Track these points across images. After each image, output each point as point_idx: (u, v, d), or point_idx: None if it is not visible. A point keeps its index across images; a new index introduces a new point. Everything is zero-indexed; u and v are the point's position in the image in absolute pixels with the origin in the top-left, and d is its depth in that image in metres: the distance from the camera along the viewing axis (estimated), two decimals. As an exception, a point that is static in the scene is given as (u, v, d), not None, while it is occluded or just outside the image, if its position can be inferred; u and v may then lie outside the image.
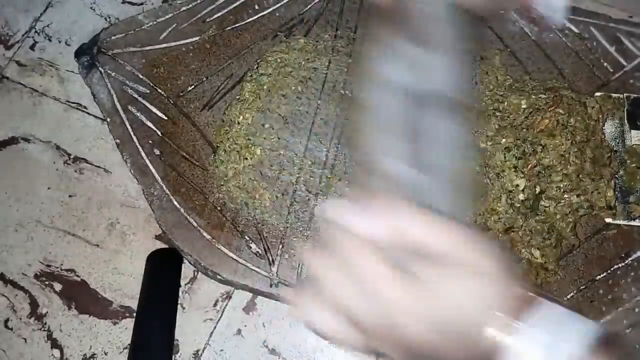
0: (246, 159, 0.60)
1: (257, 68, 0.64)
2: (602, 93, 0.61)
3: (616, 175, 0.58)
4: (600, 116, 0.59)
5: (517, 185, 0.56)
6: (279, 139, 0.60)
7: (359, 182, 0.49)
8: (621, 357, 0.27)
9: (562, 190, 0.56)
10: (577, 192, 0.56)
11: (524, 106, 0.59)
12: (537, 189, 0.56)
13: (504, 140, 0.58)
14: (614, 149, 0.59)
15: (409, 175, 0.43)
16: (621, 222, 0.57)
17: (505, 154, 0.57)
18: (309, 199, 0.58)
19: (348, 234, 0.28)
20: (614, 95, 0.61)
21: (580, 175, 0.57)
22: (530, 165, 0.57)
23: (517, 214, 0.56)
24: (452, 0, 0.47)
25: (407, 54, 0.48)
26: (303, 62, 0.63)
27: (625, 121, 0.60)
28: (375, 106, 0.46)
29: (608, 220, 0.57)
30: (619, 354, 0.27)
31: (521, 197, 0.56)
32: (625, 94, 0.61)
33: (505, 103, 0.60)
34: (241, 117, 0.61)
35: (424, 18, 0.47)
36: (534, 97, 0.59)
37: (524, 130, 0.58)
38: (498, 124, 0.59)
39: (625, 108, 0.60)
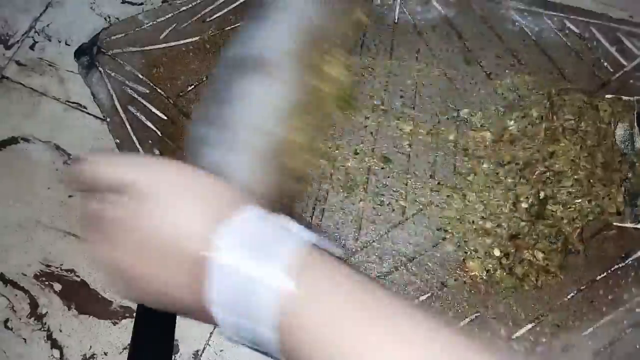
0: None
1: None
2: (613, 95, 0.61)
3: (624, 179, 0.58)
4: (612, 119, 0.59)
5: (520, 194, 0.56)
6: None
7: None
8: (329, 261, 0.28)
9: (573, 195, 0.56)
10: (589, 197, 0.56)
11: (511, 127, 0.59)
12: (542, 195, 0.56)
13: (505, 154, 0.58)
14: (623, 151, 0.59)
15: (199, 133, 0.45)
16: (628, 225, 0.57)
17: (504, 167, 0.57)
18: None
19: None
20: (624, 97, 0.60)
21: (592, 181, 0.56)
22: (537, 172, 0.56)
23: (522, 221, 0.56)
24: None
25: (247, 28, 0.50)
26: None
27: (635, 124, 0.60)
28: (209, 81, 0.49)
29: (616, 223, 0.57)
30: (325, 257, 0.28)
31: (524, 205, 0.56)
32: (635, 97, 0.60)
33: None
34: None
35: None
36: (532, 110, 0.59)
37: (527, 138, 0.58)
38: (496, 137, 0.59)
39: (636, 111, 0.60)
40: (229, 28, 0.66)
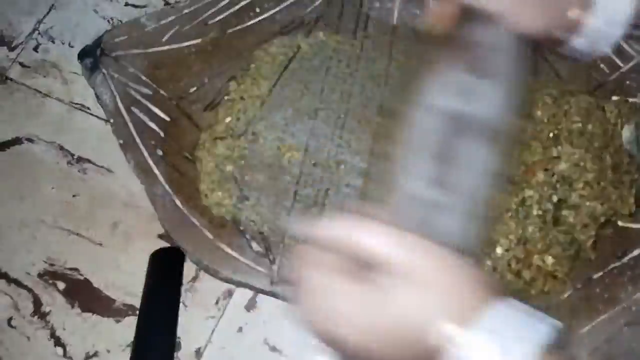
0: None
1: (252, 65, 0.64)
2: (619, 97, 0.61)
3: (634, 180, 0.59)
4: (619, 120, 0.59)
5: (528, 197, 0.56)
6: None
7: (373, 195, 0.50)
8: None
9: (584, 198, 0.56)
10: (601, 200, 0.56)
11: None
12: (555, 199, 0.56)
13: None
14: (630, 153, 0.59)
15: (426, 194, 0.43)
16: (636, 225, 0.57)
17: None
18: (314, 201, 0.59)
19: (308, 246, 0.30)
20: (630, 99, 0.61)
21: (602, 183, 0.56)
22: (543, 176, 0.56)
23: (534, 226, 0.56)
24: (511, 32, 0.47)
25: (458, 81, 0.48)
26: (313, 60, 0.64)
27: None
28: (414, 125, 0.47)
29: (623, 224, 0.57)
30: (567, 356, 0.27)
31: (535, 212, 0.56)
32: (641, 98, 0.61)
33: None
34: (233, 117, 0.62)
35: (482, 47, 0.47)
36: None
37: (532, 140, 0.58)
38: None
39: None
40: (231, 30, 0.66)
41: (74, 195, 0.64)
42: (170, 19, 0.67)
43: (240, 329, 0.58)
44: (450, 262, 0.29)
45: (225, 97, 0.63)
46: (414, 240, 0.30)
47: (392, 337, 0.28)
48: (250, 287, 0.58)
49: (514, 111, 0.49)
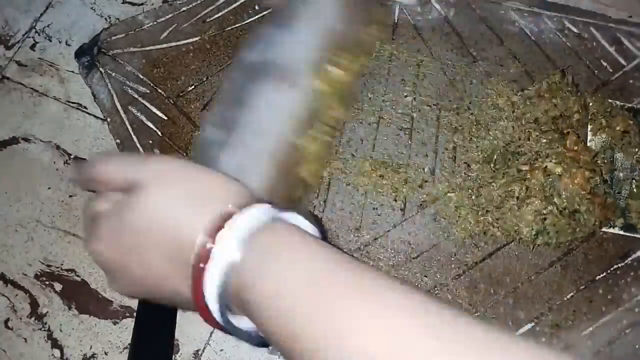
0: None
1: None
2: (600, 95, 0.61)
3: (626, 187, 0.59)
4: (604, 120, 0.60)
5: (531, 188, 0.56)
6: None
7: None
8: None
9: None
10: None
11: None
12: (564, 204, 0.55)
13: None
14: (622, 179, 0.59)
15: (212, 136, 0.45)
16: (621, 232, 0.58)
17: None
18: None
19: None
20: (610, 100, 0.61)
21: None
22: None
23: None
24: None
25: (265, 35, 0.50)
26: None
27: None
28: (224, 84, 0.49)
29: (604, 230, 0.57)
30: None
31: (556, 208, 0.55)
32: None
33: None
34: None
35: (294, 2, 0.49)
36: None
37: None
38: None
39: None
40: (229, 28, 0.66)
41: (70, 196, 0.64)
42: (168, 16, 0.67)
43: (239, 331, 0.58)
44: (201, 169, 0.30)
45: (220, 96, 0.63)
46: (158, 156, 0.32)
47: (149, 237, 0.28)
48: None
49: (317, 55, 0.50)
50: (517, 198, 0.55)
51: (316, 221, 0.31)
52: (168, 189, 0.29)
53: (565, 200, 0.54)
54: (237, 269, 0.26)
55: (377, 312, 0.23)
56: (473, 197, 0.58)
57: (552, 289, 0.55)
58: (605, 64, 0.62)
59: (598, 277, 0.56)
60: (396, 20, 0.65)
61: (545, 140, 0.56)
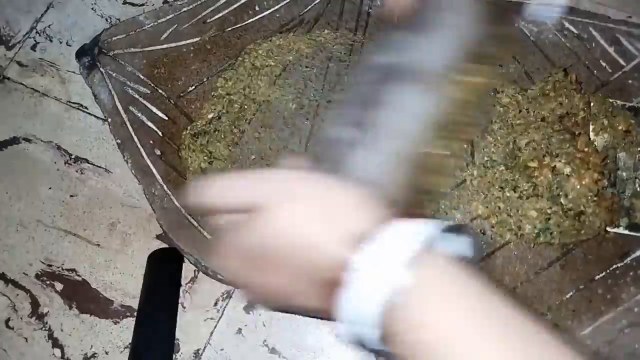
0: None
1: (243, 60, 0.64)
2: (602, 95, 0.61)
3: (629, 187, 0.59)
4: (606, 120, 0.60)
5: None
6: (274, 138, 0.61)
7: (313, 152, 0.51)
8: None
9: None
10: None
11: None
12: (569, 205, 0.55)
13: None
14: (626, 178, 0.59)
15: (342, 135, 0.44)
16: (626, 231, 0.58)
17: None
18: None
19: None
20: (611, 99, 0.61)
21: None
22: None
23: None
24: None
25: (395, 39, 0.49)
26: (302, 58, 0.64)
27: None
28: (350, 83, 0.48)
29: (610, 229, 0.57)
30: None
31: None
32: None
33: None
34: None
35: (425, 8, 0.48)
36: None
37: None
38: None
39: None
40: (229, 29, 0.66)
41: (71, 196, 0.64)
42: (168, 17, 0.67)
43: (239, 331, 0.58)
44: (332, 185, 0.29)
45: (212, 94, 0.63)
46: (283, 172, 0.30)
47: (282, 257, 0.27)
48: (250, 288, 0.58)
49: (454, 60, 0.49)
50: (522, 194, 0.55)
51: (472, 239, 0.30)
52: (299, 206, 0.28)
53: (571, 201, 0.54)
54: (394, 298, 0.25)
55: None
56: (479, 191, 0.58)
57: (552, 289, 0.55)
58: (604, 64, 0.62)
59: (597, 276, 0.56)
60: (397, 21, 0.65)
61: (555, 140, 0.57)
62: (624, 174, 0.58)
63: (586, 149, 0.56)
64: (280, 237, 0.27)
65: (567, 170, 0.55)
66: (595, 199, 0.54)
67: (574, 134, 0.57)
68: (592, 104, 0.60)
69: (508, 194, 0.56)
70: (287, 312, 0.35)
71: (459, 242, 0.28)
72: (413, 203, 0.48)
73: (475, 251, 0.29)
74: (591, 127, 0.60)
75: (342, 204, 0.28)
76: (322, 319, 0.30)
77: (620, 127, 0.59)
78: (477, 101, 0.53)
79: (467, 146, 0.60)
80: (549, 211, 0.54)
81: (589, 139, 0.57)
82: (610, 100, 0.61)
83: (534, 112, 0.59)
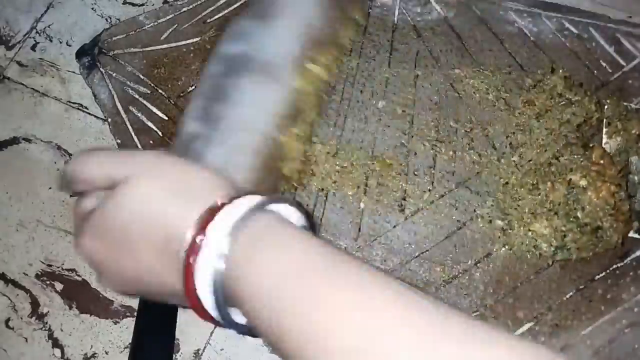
0: None
1: None
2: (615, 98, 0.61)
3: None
4: (619, 123, 0.60)
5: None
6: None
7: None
8: None
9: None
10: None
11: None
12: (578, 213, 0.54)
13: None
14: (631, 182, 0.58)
15: (191, 129, 0.45)
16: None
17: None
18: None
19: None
20: (625, 103, 0.60)
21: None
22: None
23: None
24: None
25: (242, 28, 0.50)
26: None
27: None
28: (202, 77, 0.49)
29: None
30: None
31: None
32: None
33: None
34: None
35: None
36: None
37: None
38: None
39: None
40: (229, 29, 0.66)
41: (71, 196, 0.64)
42: (168, 17, 0.67)
43: (239, 331, 0.58)
44: (185, 164, 0.30)
45: None
46: (143, 152, 0.32)
47: (135, 234, 0.28)
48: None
49: (297, 50, 0.50)
50: (536, 211, 0.54)
51: (304, 212, 0.31)
52: (154, 182, 0.28)
53: (588, 215, 0.53)
54: (226, 261, 0.26)
55: (359, 305, 0.23)
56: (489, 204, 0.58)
57: (552, 289, 0.55)
58: (604, 64, 0.62)
59: (597, 276, 0.56)
60: (396, 21, 0.65)
61: (568, 152, 0.56)
62: (636, 177, 0.58)
63: (601, 161, 0.55)
64: (134, 210, 0.28)
65: (583, 183, 0.54)
66: (612, 211, 0.53)
67: (587, 145, 0.56)
68: (605, 107, 0.60)
69: (522, 211, 0.56)
70: (146, 300, 0.35)
71: (291, 213, 0.29)
72: (267, 187, 0.49)
73: (305, 221, 0.30)
74: (604, 131, 0.59)
75: (193, 180, 0.29)
76: (181, 306, 0.31)
77: (633, 131, 0.59)
78: (317, 89, 0.54)
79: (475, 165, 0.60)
80: (563, 228, 0.53)
81: (604, 150, 0.56)
82: (625, 103, 0.60)
83: (545, 128, 0.59)
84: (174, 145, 0.47)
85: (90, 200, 0.31)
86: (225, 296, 0.26)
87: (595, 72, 0.62)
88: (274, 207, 0.28)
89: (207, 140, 0.45)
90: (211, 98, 0.47)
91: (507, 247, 0.56)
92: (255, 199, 0.28)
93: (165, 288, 0.29)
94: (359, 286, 0.24)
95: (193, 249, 0.26)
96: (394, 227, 0.58)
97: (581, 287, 0.55)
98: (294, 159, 0.53)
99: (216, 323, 0.28)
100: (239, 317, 0.28)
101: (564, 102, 0.59)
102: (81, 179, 0.31)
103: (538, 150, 0.58)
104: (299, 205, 0.30)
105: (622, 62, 0.62)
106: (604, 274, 0.56)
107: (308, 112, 0.53)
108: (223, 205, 0.27)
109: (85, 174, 0.31)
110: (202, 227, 0.26)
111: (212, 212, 0.27)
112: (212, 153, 0.44)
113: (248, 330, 0.28)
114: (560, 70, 0.61)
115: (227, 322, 0.28)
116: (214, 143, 0.45)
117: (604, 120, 0.60)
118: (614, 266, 0.56)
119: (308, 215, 0.31)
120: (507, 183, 0.58)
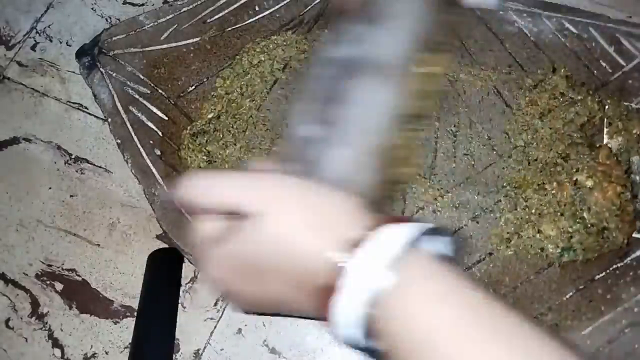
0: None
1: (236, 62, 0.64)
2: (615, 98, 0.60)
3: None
4: (620, 123, 0.59)
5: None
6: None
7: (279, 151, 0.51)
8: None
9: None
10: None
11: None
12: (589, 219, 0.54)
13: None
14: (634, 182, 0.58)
15: (310, 133, 0.44)
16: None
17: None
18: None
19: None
20: (625, 102, 0.60)
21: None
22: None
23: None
24: None
25: (351, 32, 0.49)
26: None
27: None
28: (309, 81, 0.48)
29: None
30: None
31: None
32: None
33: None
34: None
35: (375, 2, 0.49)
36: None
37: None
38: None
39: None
40: (229, 29, 0.66)
41: (71, 196, 0.64)
42: (168, 17, 0.67)
43: (239, 331, 0.58)
44: (316, 189, 0.29)
45: (212, 93, 0.63)
46: (270, 177, 0.30)
47: (272, 265, 0.28)
48: (250, 288, 0.58)
49: (412, 51, 0.49)
50: (542, 212, 0.54)
51: (449, 235, 0.30)
52: (290, 215, 0.28)
53: (594, 216, 0.53)
54: (376, 302, 0.25)
55: None
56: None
57: (552, 289, 0.55)
58: (604, 64, 0.62)
59: (597, 276, 0.56)
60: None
61: (574, 152, 0.56)
62: (637, 177, 0.58)
63: (607, 162, 0.54)
64: (270, 245, 0.27)
65: (590, 183, 0.53)
66: (618, 212, 0.53)
67: (594, 145, 0.56)
68: (606, 107, 0.60)
69: (529, 212, 0.56)
70: (278, 315, 0.35)
71: (442, 243, 0.29)
72: (385, 195, 0.49)
73: (456, 251, 0.29)
74: (605, 130, 0.59)
75: (329, 210, 0.28)
76: (315, 319, 0.30)
77: (635, 131, 0.59)
78: (435, 90, 0.53)
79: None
80: (570, 229, 0.53)
81: (610, 150, 0.56)
82: (626, 103, 0.60)
83: (549, 127, 0.58)
84: (286, 152, 0.45)
85: (213, 225, 0.30)
86: (368, 329, 0.26)
87: (595, 72, 0.62)
88: (423, 239, 0.27)
89: (329, 142, 0.43)
90: (325, 101, 0.46)
91: (511, 248, 0.56)
92: (401, 229, 0.27)
93: (299, 312, 0.29)
94: (521, 346, 0.23)
95: (332, 283, 0.26)
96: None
97: (581, 287, 0.55)
98: (412, 163, 0.52)
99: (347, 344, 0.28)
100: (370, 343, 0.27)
101: (567, 102, 0.59)
102: (205, 202, 0.30)
103: (543, 150, 0.58)
104: (444, 230, 0.29)
105: (622, 62, 0.62)
106: (604, 274, 0.56)
107: (424, 115, 0.52)
108: (364, 237, 0.26)
109: (212, 197, 0.30)
110: (341, 260, 0.26)
111: (352, 245, 0.26)
112: (338, 154, 0.43)
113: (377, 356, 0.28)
114: (562, 70, 0.61)
115: (362, 349, 0.27)
116: (338, 144, 0.43)
117: (605, 120, 0.60)
118: (614, 266, 0.56)
119: (451, 237, 0.30)
120: (509, 183, 0.58)
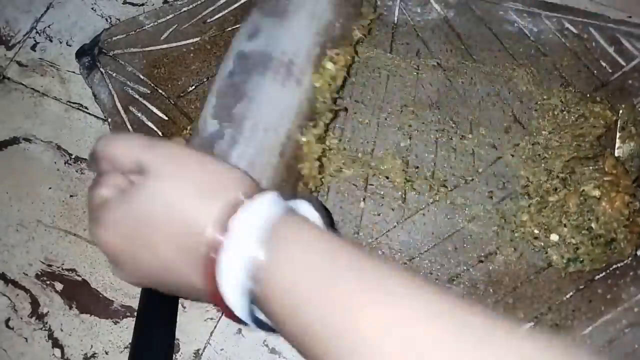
0: None
1: None
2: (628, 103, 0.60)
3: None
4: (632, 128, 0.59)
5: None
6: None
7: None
8: None
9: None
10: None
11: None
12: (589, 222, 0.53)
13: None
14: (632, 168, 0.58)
15: (209, 128, 0.45)
16: None
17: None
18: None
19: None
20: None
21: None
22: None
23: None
24: None
25: (251, 24, 0.50)
26: None
27: None
28: (220, 74, 0.49)
29: None
30: None
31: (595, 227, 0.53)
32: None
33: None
34: None
35: None
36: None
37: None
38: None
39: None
40: (229, 29, 0.66)
41: (71, 196, 0.64)
42: (168, 17, 0.67)
43: (239, 331, 0.58)
44: (212, 161, 0.30)
45: None
46: (173, 143, 0.31)
47: (158, 227, 0.28)
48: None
49: (314, 47, 0.50)
50: (548, 225, 0.54)
51: (323, 208, 0.31)
52: (178, 176, 0.29)
53: (601, 226, 0.52)
54: (254, 261, 0.26)
55: (379, 299, 0.23)
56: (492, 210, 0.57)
57: (552, 289, 0.55)
58: (604, 64, 0.62)
59: (597, 276, 0.56)
60: (396, 21, 0.65)
61: (578, 164, 0.55)
62: None
63: (614, 171, 0.53)
64: (163, 207, 0.28)
65: (596, 193, 0.52)
66: (626, 222, 0.52)
67: (599, 154, 0.55)
68: (620, 112, 0.59)
69: (531, 228, 0.56)
70: (161, 293, 0.35)
71: (312, 212, 0.30)
72: (288, 188, 0.49)
73: (325, 218, 0.31)
74: (617, 135, 0.59)
75: (217, 176, 0.29)
76: (200, 301, 0.31)
77: None
78: (333, 87, 0.54)
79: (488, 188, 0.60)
80: (576, 240, 0.53)
81: (617, 159, 0.55)
82: (639, 109, 0.60)
83: (563, 139, 0.58)
84: (194, 143, 0.47)
85: (106, 189, 0.31)
86: (250, 296, 0.27)
87: (595, 72, 0.62)
88: (295, 205, 0.29)
89: (233, 140, 0.45)
90: (231, 97, 0.47)
91: (512, 249, 0.56)
92: (275, 196, 0.28)
93: (182, 282, 0.29)
94: (381, 283, 0.24)
95: (214, 246, 0.26)
96: (394, 227, 0.58)
97: (581, 287, 0.55)
98: (313, 159, 0.52)
99: (237, 320, 0.28)
100: (261, 315, 0.28)
101: (578, 117, 0.58)
102: (108, 156, 0.32)
103: (551, 158, 0.58)
104: (321, 204, 0.30)
105: (622, 62, 0.62)
106: (604, 274, 0.56)
107: (325, 112, 0.53)
108: (244, 202, 0.27)
109: (113, 152, 0.31)
110: (222, 225, 0.27)
111: (233, 209, 0.27)
112: (238, 152, 0.44)
113: (269, 328, 0.28)
114: (570, 87, 0.61)
115: (252, 320, 0.28)
116: (240, 143, 0.45)
117: (618, 124, 0.59)
118: (614, 266, 0.56)
119: (328, 213, 0.31)
120: (511, 184, 0.58)
